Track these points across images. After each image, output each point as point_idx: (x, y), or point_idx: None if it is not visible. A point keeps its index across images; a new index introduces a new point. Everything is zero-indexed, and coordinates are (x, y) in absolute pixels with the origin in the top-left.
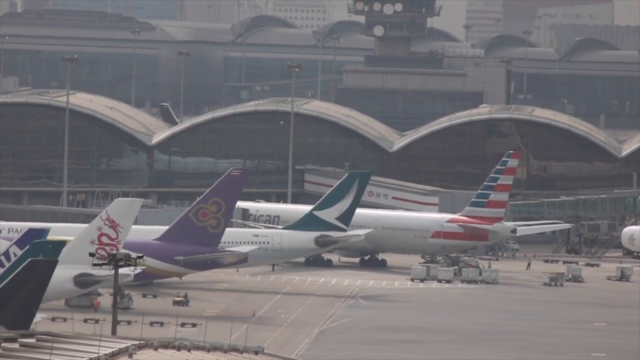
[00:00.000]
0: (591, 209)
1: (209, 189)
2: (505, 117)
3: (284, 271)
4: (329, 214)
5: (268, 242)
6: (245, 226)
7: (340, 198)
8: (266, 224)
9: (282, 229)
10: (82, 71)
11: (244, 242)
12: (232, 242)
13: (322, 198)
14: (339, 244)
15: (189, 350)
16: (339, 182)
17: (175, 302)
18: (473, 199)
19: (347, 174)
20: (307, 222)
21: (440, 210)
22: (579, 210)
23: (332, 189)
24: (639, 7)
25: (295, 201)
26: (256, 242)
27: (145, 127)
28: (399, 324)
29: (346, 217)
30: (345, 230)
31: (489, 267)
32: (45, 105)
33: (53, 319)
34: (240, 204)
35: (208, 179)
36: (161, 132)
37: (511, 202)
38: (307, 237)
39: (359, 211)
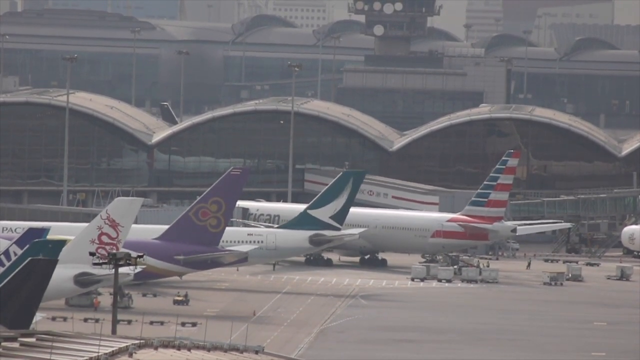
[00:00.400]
0: (591, 208)
1: (209, 189)
2: (505, 117)
3: (284, 270)
4: (323, 213)
5: (262, 242)
6: (245, 225)
7: (335, 197)
8: (266, 223)
9: (277, 228)
10: (82, 71)
11: (238, 242)
12: (226, 242)
13: (317, 197)
14: (333, 242)
15: (189, 350)
16: (333, 181)
17: (176, 302)
18: (473, 199)
19: (341, 172)
20: (301, 221)
21: (441, 210)
22: (579, 210)
23: (326, 187)
24: (639, 7)
25: (295, 200)
26: (250, 242)
27: (146, 127)
28: (399, 323)
29: (340, 216)
30: (339, 229)
31: (487, 266)
32: (45, 104)
33: (53, 318)
34: (241, 203)
35: (208, 179)
36: (161, 132)
37: (511, 202)
38: (301, 236)
39: (358, 210)
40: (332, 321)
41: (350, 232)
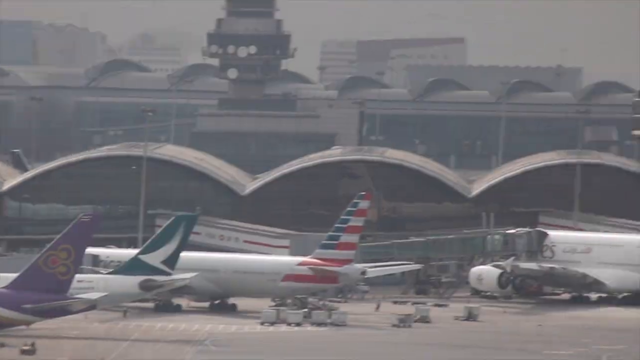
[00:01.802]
0: (440, 249)
1: (58, 236)
2: (357, 159)
3: (133, 317)
4: (154, 258)
5: (93, 288)
6: (95, 272)
7: (166, 242)
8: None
9: (107, 274)
10: None
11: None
12: None
13: (148, 242)
14: (164, 287)
15: None
16: (165, 225)
17: (23, 352)
18: (324, 241)
19: (172, 217)
20: (132, 267)
21: (293, 253)
22: (429, 251)
23: (158, 232)
24: (489, 47)
25: None
26: (80, 288)
27: None
28: None
29: (171, 260)
30: (170, 274)
31: (332, 309)
32: None
33: None
34: (91, 250)
35: (59, 226)
36: (12, 179)
37: (361, 244)
38: (131, 282)
39: (208, 255)
40: None
41: (181, 276)
